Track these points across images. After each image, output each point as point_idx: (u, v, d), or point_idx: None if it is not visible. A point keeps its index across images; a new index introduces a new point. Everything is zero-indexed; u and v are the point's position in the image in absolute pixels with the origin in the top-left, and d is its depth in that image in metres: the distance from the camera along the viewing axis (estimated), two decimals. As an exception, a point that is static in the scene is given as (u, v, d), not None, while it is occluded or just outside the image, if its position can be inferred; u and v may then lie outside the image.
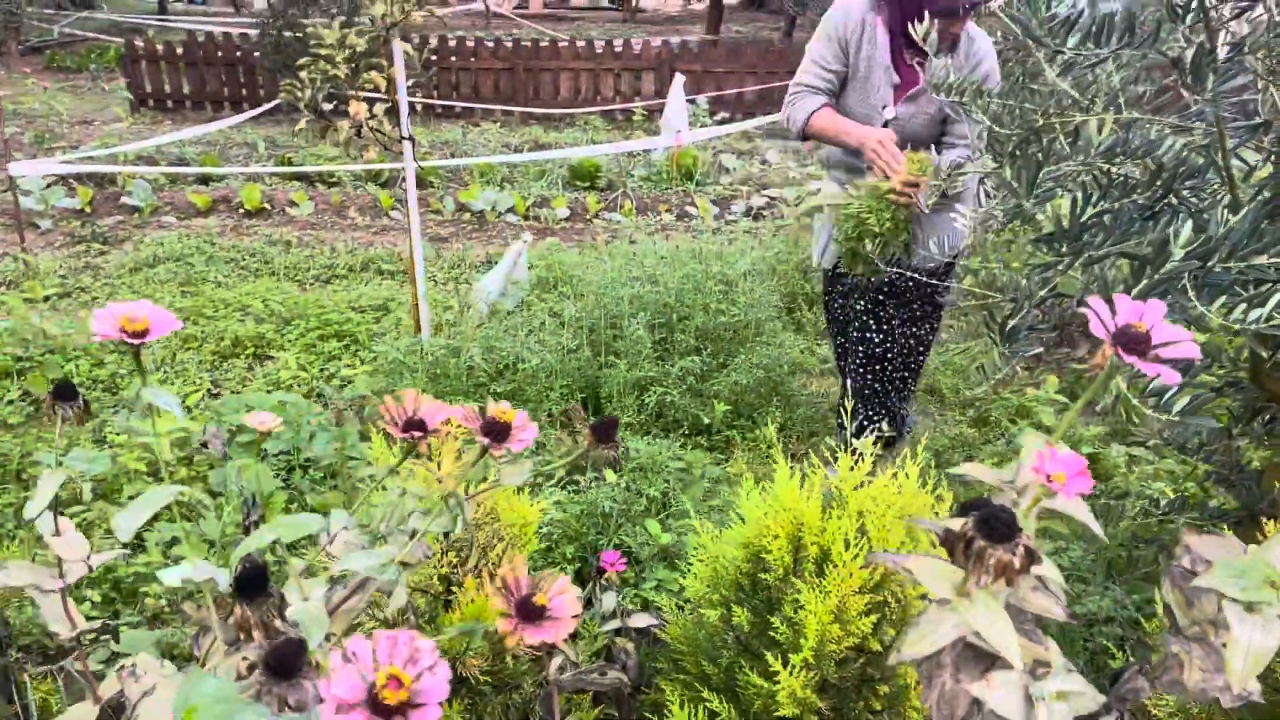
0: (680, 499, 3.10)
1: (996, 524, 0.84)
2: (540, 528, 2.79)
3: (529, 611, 1.12)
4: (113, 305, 1.10)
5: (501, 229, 7.11)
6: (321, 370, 4.27)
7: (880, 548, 1.79)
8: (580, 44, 11.66)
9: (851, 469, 1.86)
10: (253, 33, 10.82)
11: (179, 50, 10.94)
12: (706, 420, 3.72)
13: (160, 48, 10.94)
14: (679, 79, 8.85)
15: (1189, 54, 1.61)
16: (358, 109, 3.38)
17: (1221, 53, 1.76)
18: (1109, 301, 0.95)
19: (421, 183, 6.95)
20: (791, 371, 4.16)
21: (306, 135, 6.21)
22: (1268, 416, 2.43)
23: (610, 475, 3.25)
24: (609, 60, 11.57)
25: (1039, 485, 0.90)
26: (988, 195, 2.45)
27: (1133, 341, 0.89)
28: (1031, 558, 0.85)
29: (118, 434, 3.55)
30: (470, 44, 11.49)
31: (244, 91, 11.07)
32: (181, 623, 2.69)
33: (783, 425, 3.80)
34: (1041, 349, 2.19)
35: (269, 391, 3.85)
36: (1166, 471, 3.49)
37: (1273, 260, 1.47)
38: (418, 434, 1.26)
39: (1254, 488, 2.38)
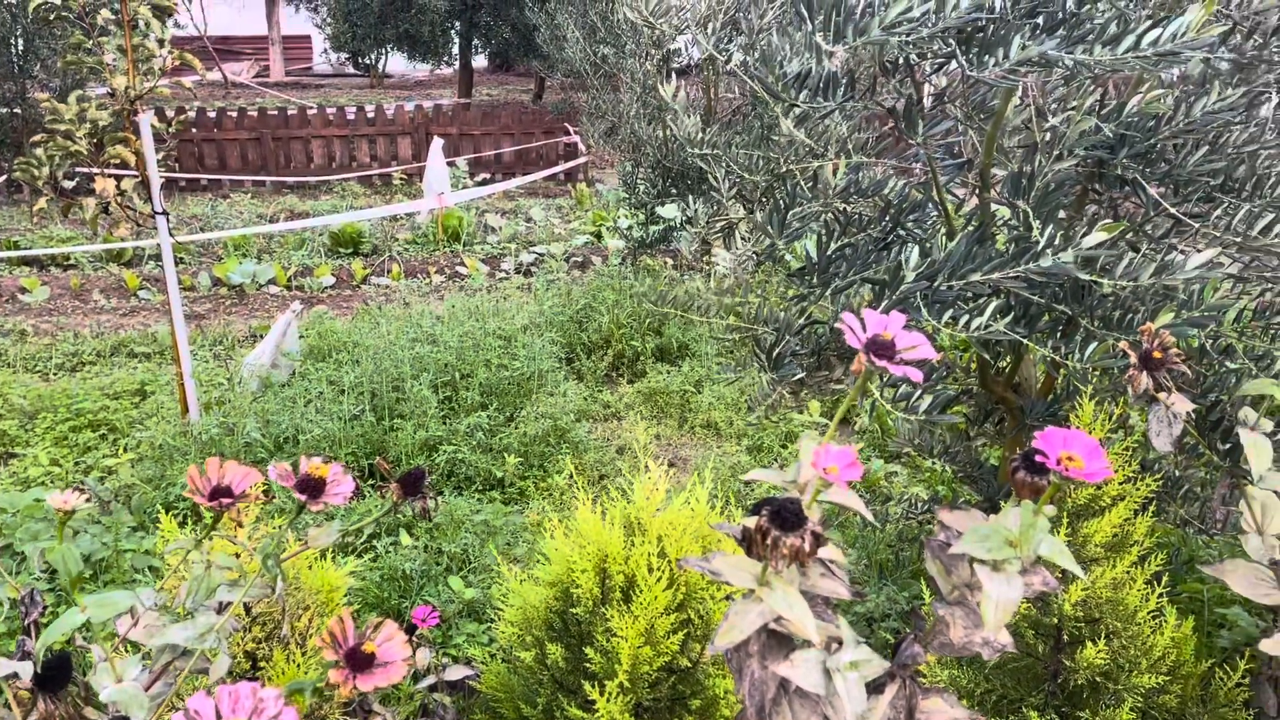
0: (480, 554, 3.12)
1: (787, 514, 0.96)
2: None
3: (359, 660, 1.14)
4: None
5: (264, 301, 6.86)
6: (77, 464, 3.97)
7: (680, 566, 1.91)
8: (331, 111, 11.48)
9: (648, 497, 1.97)
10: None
11: None
12: (499, 474, 3.76)
13: None
14: (437, 142, 8.90)
15: (900, 105, 1.85)
16: (104, 185, 3.21)
17: (928, 102, 2.04)
18: (860, 318, 1.11)
19: (174, 259, 6.62)
20: (578, 418, 4.27)
21: (47, 215, 5.79)
22: (998, 418, 2.76)
23: (406, 538, 3.23)
24: (363, 126, 11.45)
25: (818, 479, 1.03)
26: (742, 239, 2.68)
27: (882, 348, 1.05)
28: (819, 541, 0.98)
29: None
30: (212, 114, 11.06)
31: (-47, 172, 10.14)
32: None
33: (574, 471, 3.89)
34: (803, 373, 2.41)
35: (23, 490, 3.55)
36: (921, 479, 3.84)
37: (985, 277, 1.71)
38: (225, 500, 1.25)
39: (993, 481, 2.69)
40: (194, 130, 10.77)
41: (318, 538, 1.51)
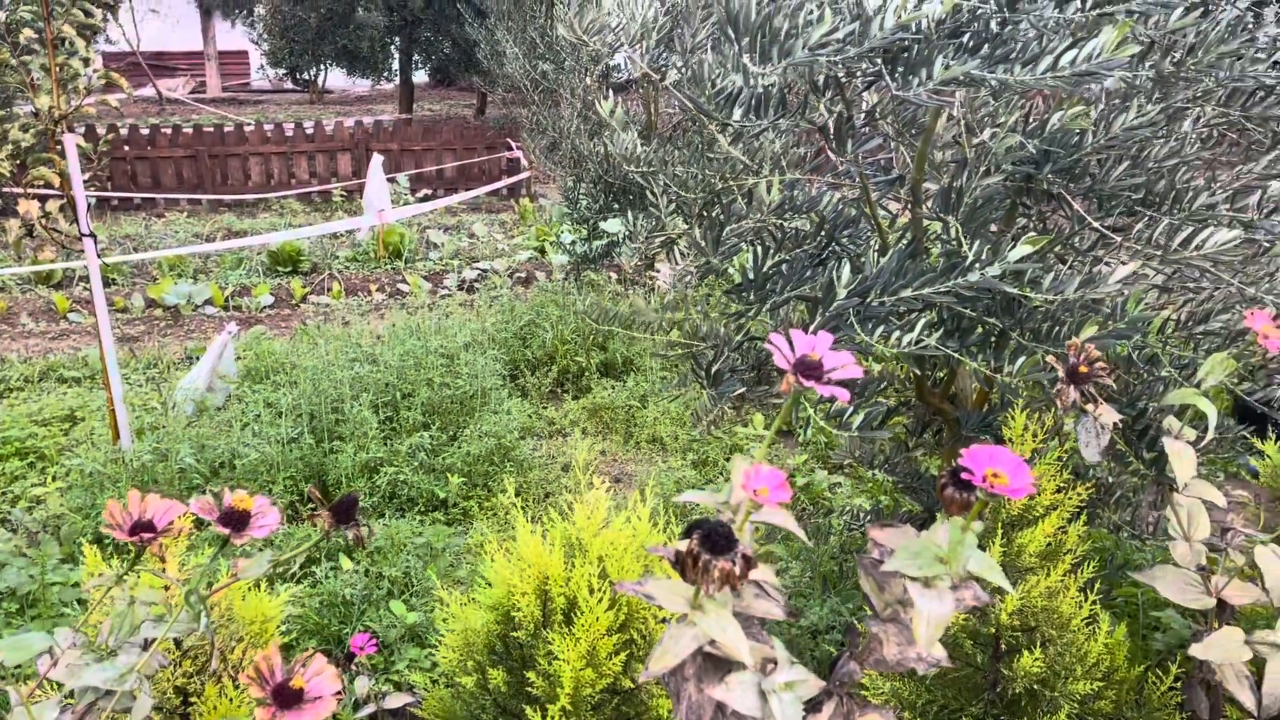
0: (423, 577, 3.07)
1: (717, 538, 0.96)
2: (279, 624, 2.68)
3: (287, 696, 1.11)
4: None
5: (200, 322, 6.73)
6: (4, 493, 3.85)
7: (622, 589, 1.90)
8: (269, 127, 11.33)
9: (589, 517, 1.96)
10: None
11: None
12: (442, 494, 3.71)
13: None
14: (377, 158, 8.81)
15: (831, 122, 1.87)
16: (28, 207, 3.13)
17: (860, 119, 2.06)
18: (789, 338, 1.11)
19: (105, 281, 6.46)
20: (522, 436, 4.25)
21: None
22: (936, 428, 2.80)
23: (346, 562, 3.17)
24: (301, 142, 11.31)
25: (748, 500, 1.03)
26: (682, 254, 2.68)
27: (809, 369, 1.05)
28: (749, 564, 0.97)
29: None
30: (146, 132, 10.85)
31: (-126, 193, 9.82)
32: None
33: (518, 490, 3.86)
34: (744, 388, 2.41)
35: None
36: (864, 490, 3.88)
37: (916, 293, 1.73)
38: (147, 535, 1.21)
39: (932, 491, 2.72)
40: (127, 148, 10.56)
41: (248, 569, 1.47)
